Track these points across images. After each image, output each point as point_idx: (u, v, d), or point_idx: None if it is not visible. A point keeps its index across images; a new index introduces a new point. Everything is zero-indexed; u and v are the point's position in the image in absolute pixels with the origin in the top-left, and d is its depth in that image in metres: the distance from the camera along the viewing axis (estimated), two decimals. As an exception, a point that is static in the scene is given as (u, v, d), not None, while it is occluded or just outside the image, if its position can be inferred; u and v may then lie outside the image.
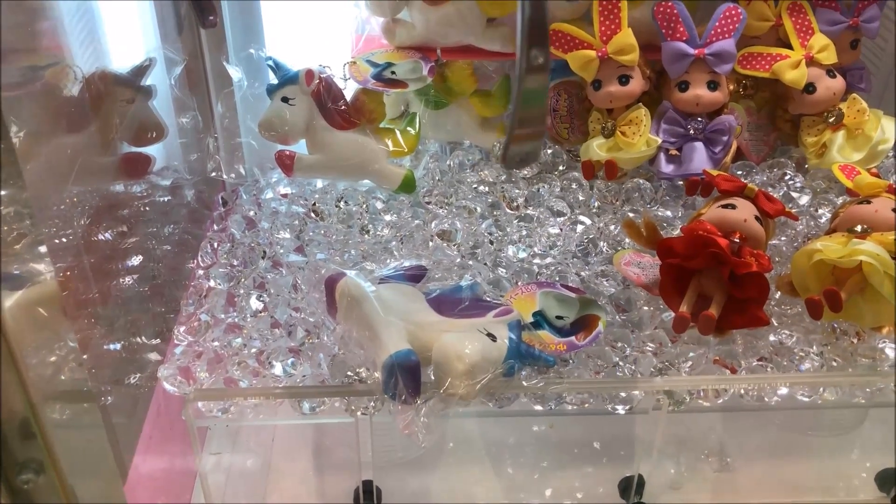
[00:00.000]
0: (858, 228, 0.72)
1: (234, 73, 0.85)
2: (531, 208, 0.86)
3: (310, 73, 0.83)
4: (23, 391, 0.51)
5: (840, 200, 0.86)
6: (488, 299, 0.69)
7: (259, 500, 0.80)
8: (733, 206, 0.74)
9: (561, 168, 0.92)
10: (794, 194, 0.87)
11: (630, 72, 0.86)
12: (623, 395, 0.66)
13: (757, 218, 0.73)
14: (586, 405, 0.66)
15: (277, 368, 0.67)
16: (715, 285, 0.69)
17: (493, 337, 0.62)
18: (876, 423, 0.86)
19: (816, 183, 0.89)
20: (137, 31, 0.83)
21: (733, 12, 0.86)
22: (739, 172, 0.91)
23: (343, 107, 0.85)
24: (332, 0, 0.91)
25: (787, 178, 0.89)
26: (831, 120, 0.89)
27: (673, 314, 0.68)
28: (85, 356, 0.63)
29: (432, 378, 0.62)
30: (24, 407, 0.47)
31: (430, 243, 0.81)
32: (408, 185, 0.88)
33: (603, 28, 0.85)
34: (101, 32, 0.77)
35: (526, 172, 0.91)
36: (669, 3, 0.85)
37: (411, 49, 0.90)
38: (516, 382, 0.63)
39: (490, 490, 0.82)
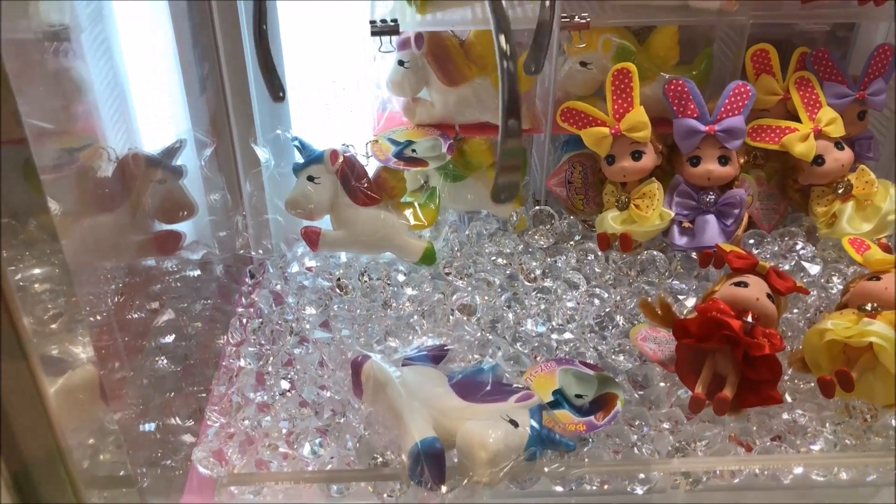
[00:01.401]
0: (869, 307, 0.74)
1: (262, 153, 0.89)
2: (548, 280, 0.89)
3: (334, 153, 0.86)
4: (67, 478, 0.54)
5: (851, 270, 0.88)
6: (509, 382, 0.71)
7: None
8: (745, 284, 0.76)
9: (577, 238, 0.95)
10: (806, 264, 0.89)
11: (643, 147, 0.89)
12: (641, 475, 0.68)
13: (769, 295, 0.76)
14: (606, 486, 0.68)
15: (306, 449, 0.70)
16: (729, 365, 0.71)
17: (515, 423, 0.64)
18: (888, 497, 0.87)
19: (827, 252, 0.91)
20: (168, 115, 0.87)
21: (742, 90, 0.89)
22: (752, 241, 0.93)
23: (366, 184, 0.88)
24: (355, 84, 0.95)
25: (798, 247, 0.91)
26: (840, 191, 0.91)
27: (689, 392, 0.71)
28: (121, 438, 0.66)
29: (456, 461, 0.64)
30: (69, 495, 0.49)
31: (451, 318, 0.83)
32: (428, 258, 0.91)
33: (616, 106, 0.88)
34: (133, 115, 0.81)
35: (542, 243, 0.94)
36: (680, 81, 0.88)
37: (430, 126, 0.94)
38: (538, 466, 0.65)
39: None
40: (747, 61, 0.93)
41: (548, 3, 0.65)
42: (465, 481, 0.62)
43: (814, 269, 0.89)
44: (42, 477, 0.55)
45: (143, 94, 0.80)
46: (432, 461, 0.62)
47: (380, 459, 0.68)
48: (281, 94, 0.67)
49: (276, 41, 0.92)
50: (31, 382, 0.53)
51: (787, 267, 0.89)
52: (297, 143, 0.88)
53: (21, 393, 0.53)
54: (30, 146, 0.51)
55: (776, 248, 0.92)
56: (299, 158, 0.87)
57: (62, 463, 0.57)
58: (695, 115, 0.88)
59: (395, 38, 0.87)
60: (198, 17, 0.86)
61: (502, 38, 0.51)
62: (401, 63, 0.89)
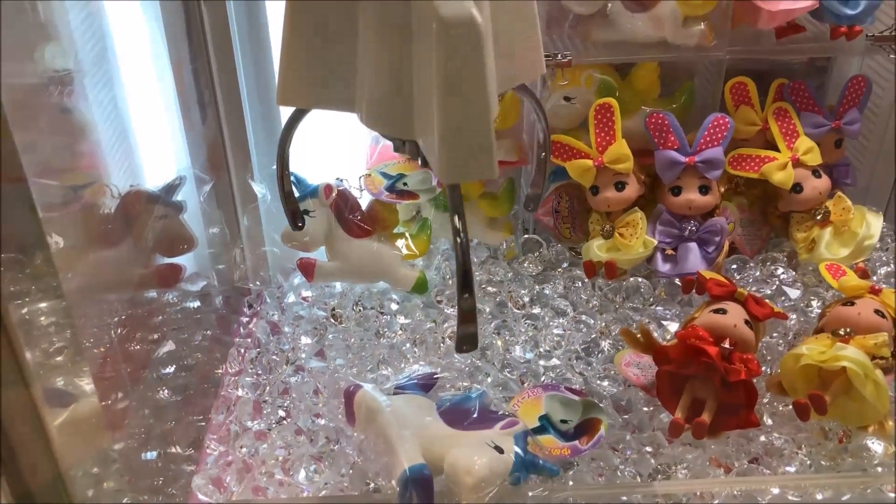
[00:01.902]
0: (842, 332, 0.77)
1: (258, 189, 0.92)
2: (537, 307, 0.92)
3: (328, 188, 0.90)
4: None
5: (830, 295, 0.90)
6: (496, 410, 0.74)
7: None
8: (724, 311, 0.79)
9: (564, 265, 0.98)
10: (786, 288, 0.92)
11: (625, 178, 0.92)
12: (624, 498, 0.71)
13: (747, 321, 0.78)
14: (589, 508, 0.71)
15: (301, 475, 0.73)
16: (708, 390, 0.74)
17: (500, 450, 0.67)
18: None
19: (807, 277, 0.94)
20: (169, 152, 0.90)
21: (721, 122, 0.92)
22: (734, 266, 0.96)
23: (359, 217, 0.92)
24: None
25: (779, 272, 0.94)
26: (819, 217, 0.94)
27: (670, 420, 0.73)
28: (123, 467, 0.69)
29: (445, 486, 0.67)
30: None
31: (442, 345, 0.86)
32: (420, 287, 0.94)
33: (598, 139, 0.92)
34: (135, 153, 0.84)
35: (531, 270, 0.97)
36: (661, 115, 0.92)
37: (422, 160, 0.97)
38: (523, 491, 0.68)
39: None
40: (727, 94, 0.96)
41: (543, 138, 0.69)
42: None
43: (794, 293, 0.92)
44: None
45: (144, 133, 0.84)
46: (420, 487, 0.65)
47: (372, 485, 0.71)
48: (300, 224, 0.73)
49: (268, 57, 0.95)
50: (34, 413, 0.55)
51: (768, 292, 0.92)
52: (292, 178, 0.91)
53: (24, 423, 0.55)
54: (28, 185, 0.53)
55: (758, 274, 0.95)
56: (295, 192, 0.91)
57: (64, 492, 0.60)
58: (675, 147, 0.92)
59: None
60: (196, 58, 0.90)
61: (456, 218, 0.53)
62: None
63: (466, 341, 0.56)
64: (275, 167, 0.80)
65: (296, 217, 0.71)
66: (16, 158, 0.52)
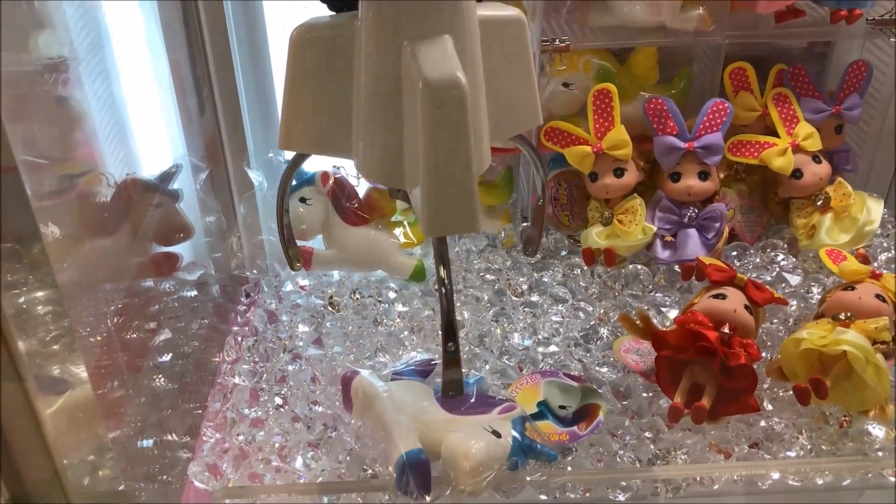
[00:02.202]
0: (843, 316, 0.76)
1: (255, 177, 0.92)
2: (535, 294, 0.91)
3: (325, 176, 0.89)
4: (63, 495, 0.56)
5: (830, 281, 0.90)
6: (493, 395, 0.74)
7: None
8: (723, 296, 0.78)
9: (563, 253, 0.98)
10: (786, 275, 0.92)
11: (624, 165, 0.92)
12: (623, 483, 0.70)
13: (746, 306, 0.78)
14: (588, 494, 0.70)
15: (298, 462, 0.72)
16: (707, 375, 0.73)
17: (497, 434, 0.67)
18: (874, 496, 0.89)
19: (808, 264, 0.94)
20: (165, 140, 0.90)
21: (720, 107, 0.91)
22: (734, 253, 0.95)
23: (356, 205, 0.91)
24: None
25: (779, 259, 0.94)
26: (819, 203, 0.93)
27: (670, 405, 0.73)
28: (118, 455, 0.68)
29: (443, 470, 0.67)
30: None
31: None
32: (418, 275, 0.94)
33: (597, 125, 0.91)
34: (131, 141, 0.84)
35: (530, 258, 0.97)
36: (660, 100, 0.91)
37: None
38: (521, 476, 0.68)
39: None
40: (726, 79, 0.95)
41: (540, 186, 0.71)
42: (449, 491, 0.64)
43: (794, 279, 0.91)
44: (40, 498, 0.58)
45: (140, 121, 0.83)
46: (417, 472, 0.64)
47: (369, 471, 0.71)
48: (298, 265, 0.74)
49: (264, 46, 0.95)
50: (27, 403, 0.55)
51: (768, 278, 0.91)
52: (289, 165, 0.90)
53: (18, 415, 0.55)
54: (20, 174, 0.53)
55: (758, 260, 0.94)
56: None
57: (60, 481, 0.59)
58: (674, 133, 0.91)
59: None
60: (192, 47, 0.90)
61: (441, 268, 0.57)
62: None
63: (451, 387, 0.60)
64: (276, 158, 0.80)
65: (292, 260, 0.72)
66: (7, 147, 0.52)
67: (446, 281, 0.57)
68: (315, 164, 0.90)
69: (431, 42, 0.48)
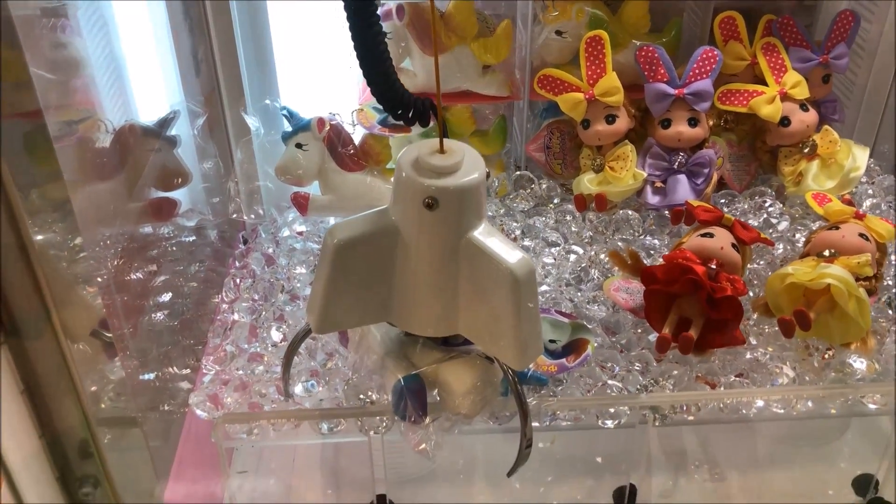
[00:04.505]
0: (827, 253, 0.78)
1: (252, 122, 0.93)
2: (527, 239, 0.93)
3: (321, 121, 0.90)
4: (83, 416, 0.58)
5: (816, 225, 0.92)
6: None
7: (282, 514, 0.86)
8: (711, 235, 0.80)
9: (555, 201, 0.99)
10: (774, 220, 0.94)
11: (616, 111, 0.93)
12: (612, 410, 0.72)
13: (734, 245, 0.80)
14: (578, 421, 0.72)
15: (298, 388, 0.74)
16: (694, 309, 0.75)
17: (491, 360, 0.68)
18: (856, 433, 0.92)
19: (795, 209, 0.96)
20: (162, 86, 0.91)
21: (710, 55, 0.93)
22: (723, 200, 0.97)
23: (352, 151, 0.93)
24: (341, 52, 0.98)
25: (766, 205, 0.96)
26: (806, 150, 0.95)
27: (657, 335, 0.75)
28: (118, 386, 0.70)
29: (438, 399, 0.69)
30: (83, 430, 0.53)
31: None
32: (413, 221, 0.95)
33: (589, 72, 0.93)
34: (129, 87, 0.85)
35: (523, 206, 0.98)
36: (650, 48, 0.93)
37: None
38: (512, 403, 0.69)
39: (498, 502, 0.88)
40: (716, 28, 0.97)
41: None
42: (446, 412, 0.66)
43: (781, 224, 0.93)
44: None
45: (137, 68, 0.84)
46: (414, 395, 0.66)
47: (367, 400, 0.73)
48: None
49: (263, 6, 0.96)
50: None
51: (755, 223, 0.93)
52: (285, 112, 0.92)
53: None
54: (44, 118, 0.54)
55: (746, 207, 0.96)
56: (288, 127, 0.91)
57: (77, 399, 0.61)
58: (665, 80, 0.93)
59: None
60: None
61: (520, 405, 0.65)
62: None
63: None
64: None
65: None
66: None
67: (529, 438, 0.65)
68: (311, 110, 0.91)
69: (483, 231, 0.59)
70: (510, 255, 0.57)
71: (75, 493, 0.53)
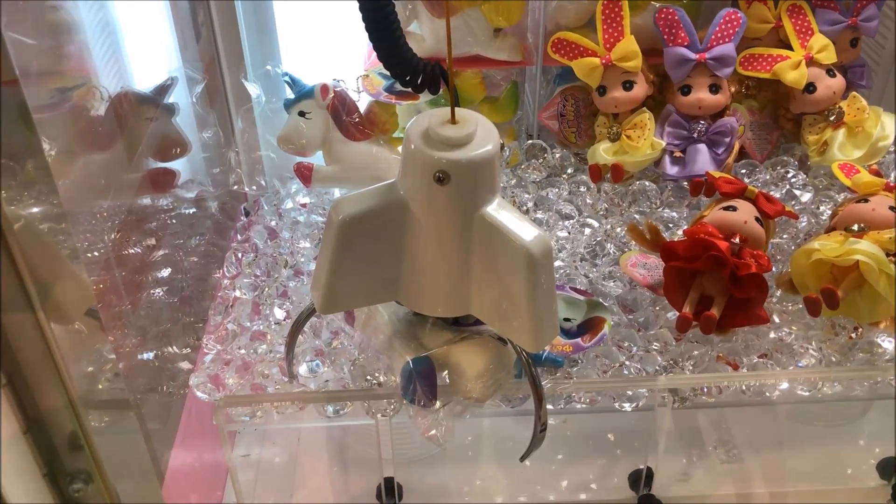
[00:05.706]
0: (855, 227, 0.75)
1: (253, 89, 0.89)
2: (540, 212, 0.90)
3: (325, 88, 0.86)
4: (70, 404, 0.55)
5: (841, 197, 0.88)
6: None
7: (286, 497, 0.84)
8: (734, 208, 0.76)
9: (569, 171, 0.95)
10: (797, 192, 0.90)
11: (634, 77, 0.89)
12: (629, 393, 0.70)
13: (757, 219, 0.76)
14: (594, 403, 0.69)
15: (303, 368, 0.71)
16: (716, 286, 0.72)
17: (504, 342, 0.65)
18: (879, 413, 0.89)
19: (819, 180, 0.92)
20: (159, 52, 0.87)
21: (733, 17, 0.88)
22: (743, 171, 0.93)
23: (357, 119, 0.89)
24: (345, 15, 0.94)
25: (789, 175, 0.92)
26: (832, 118, 0.91)
27: (677, 314, 0.72)
28: (121, 366, 0.68)
29: (447, 382, 0.66)
30: (71, 421, 0.50)
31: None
32: (421, 192, 0.91)
33: (606, 36, 0.88)
34: (125, 53, 0.81)
35: (535, 176, 0.95)
36: (670, 10, 0.88)
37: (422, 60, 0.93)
38: (526, 384, 0.67)
39: (508, 483, 0.85)
40: (739, -11, 0.92)
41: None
42: (457, 396, 0.63)
43: (805, 196, 0.89)
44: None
45: (133, 33, 0.81)
46: (424, 378, 0.63)
47: (374, 382, 0.70)
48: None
49: None
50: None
51: (778, 195, 0.89)
52: (287, 78, 0.88)
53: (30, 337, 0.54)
54: (21, 87, 0.51)
55: (767, 177, 0.92)
56: (290, 94, 0.88)
57: (63, 386, 0.58)
58: (685, 44, 0.88)
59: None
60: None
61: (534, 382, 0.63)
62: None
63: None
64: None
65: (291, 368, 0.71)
66: (7, 59, 0.50)
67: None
68: (314, 76, 0.87)
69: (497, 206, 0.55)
70: (526, 232, 0.54)
71: (65, 489, 0.50)
